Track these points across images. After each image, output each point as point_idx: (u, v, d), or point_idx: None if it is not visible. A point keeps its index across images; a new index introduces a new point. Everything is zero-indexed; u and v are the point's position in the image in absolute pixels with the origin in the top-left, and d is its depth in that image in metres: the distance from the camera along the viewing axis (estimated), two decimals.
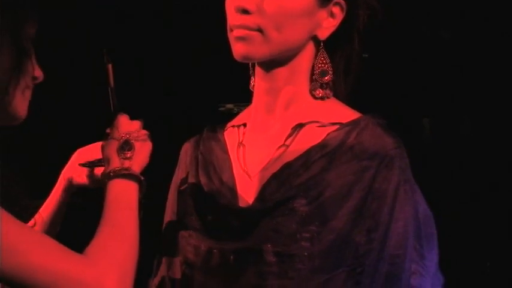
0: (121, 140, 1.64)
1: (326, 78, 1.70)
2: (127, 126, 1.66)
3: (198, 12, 2.90)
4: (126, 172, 1.60)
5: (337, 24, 1.69)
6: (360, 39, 1.71)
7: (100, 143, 1.77)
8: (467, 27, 2.77)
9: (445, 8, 2.78)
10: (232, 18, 1.66)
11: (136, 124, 1.68)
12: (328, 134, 1.66)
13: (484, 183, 2.79)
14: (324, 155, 1.64)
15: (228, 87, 2.73)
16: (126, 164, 1.61)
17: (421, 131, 2.83)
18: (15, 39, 1.49)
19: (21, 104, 1.54)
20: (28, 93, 1.55)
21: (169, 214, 1.80)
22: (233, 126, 1.79)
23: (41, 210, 1.80)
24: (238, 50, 1.66)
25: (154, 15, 2.98)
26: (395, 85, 2.79)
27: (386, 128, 1.66)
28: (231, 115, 2.67)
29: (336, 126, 1.67)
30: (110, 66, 1.73)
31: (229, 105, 2.66)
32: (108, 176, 1.61)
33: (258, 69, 1.72)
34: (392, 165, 1.61)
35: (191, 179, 1.75)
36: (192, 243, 1.69)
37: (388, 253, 1.59)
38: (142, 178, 1.61)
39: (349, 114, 1.70)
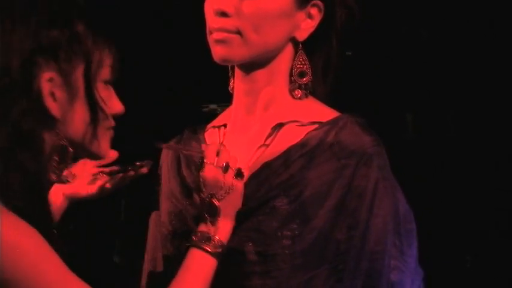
0: (205, 203, 1.62)
1: (304, 79, 1.72)
2: (213, 179, 1.62)
3: (179, 13, 2.91)
4: (206, 248, 1.60)
5: (315, 25, 1.70)
6: (338, 39, 1.73)
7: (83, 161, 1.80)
8: (446, 26, 2.79)
9: (423, 7, 2.80)
10: (211, 21, 1.67)
11: (217, 176, 1.61)
12: (307, 133, 1.67)
13: (465, 178, 2.81)
14: (303, 154, 1.65)
15: (211, 87, 2.75)
16: (212, 231, 1.61)
17: (404, 127, 2.85)
18: (89, 93, 1.52)
19: (104, 143, 1.56)
20: (110, 132, 1.58)
21: (153, 216, 1.81)
22: (213, 127, 1.80)
23: None
24: (217, 52, 1.67)
25: (137, 17, 2.98)
26: (377, 82, 2.80)
27: (364, 127, 1.68)
28: (215, 115, 2.69)
29: (315, 126, 1.68)
30: None
31: (213, 106, 2.68)
32: (191, 242, 1.62)
33: (237, 71, 1.73)
34: (371, 163, 1.63)
35: (174, 179, 1.76)
36: (173, 243, 1.71)
37: (368, 250, 1.60)
38: (222, 250, 1.61)
39: (328, 113, 1.71)
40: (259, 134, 1.71)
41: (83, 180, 1.88)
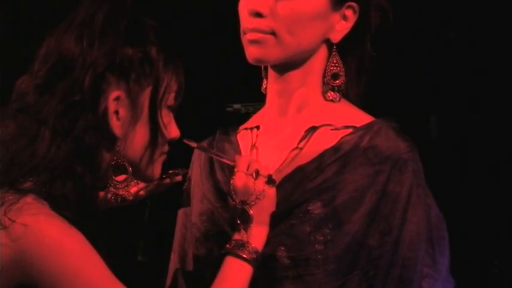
0: (238, 210, 1.62)
1: (338, 81, 1.71)
2: (243, 187, 1.61)
3: (207, 12, 2.90)
4: (241, 254, 1.59)
5: (350, 27, 1.69)
6: (371, 41, 1.72)
7: None
8: (475, 28, 2.77)
9: (452, 9, 2.78)
10: (246, 21, 1.66)
11: (248, 182, 1.61)
12: (341, 138, 1.66)
13: (491, 182, 2.79)
14: (337, 158, 1.64)
15: (235, 87, 2.75)
16: (245, 238, 1.60)
17: (429, 129, 2.83)
18: (152, 117, 1.54)
19: (157, 168, 1.58)
20: (163, 157, 1.59)
21: (181, 216, 1.81)
22: (246, 128, 1.79)
23: None
24: (251, 53, 1.66)
25: (163, 14, 2.98)
26: (403, 84, 2.79)
27: (399, 132, 1.67)
28: (239, 115, 2.68)
29: (349, 130, 1.67)
30: None
31: (237, 106, 2.67)
32: (225, 248, 1.62)
33: (270, 71, 1.72)
34: (406, 169, 1.62)
35: (207, 180, 1.75)
36: (205, 245, 1.70)
37: (400, 256, 1.59)
38: (257, 257, 1.60)
39: (362, 118, 1.70)
40: (292, 136, 1.70)
41: None
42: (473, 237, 2.73)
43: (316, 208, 1.61)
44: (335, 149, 1.65)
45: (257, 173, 1.61)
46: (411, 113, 2.79)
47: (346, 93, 1.73)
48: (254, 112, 1.86)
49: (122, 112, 1.51)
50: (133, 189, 1.81)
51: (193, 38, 2.88)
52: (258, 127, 1.76)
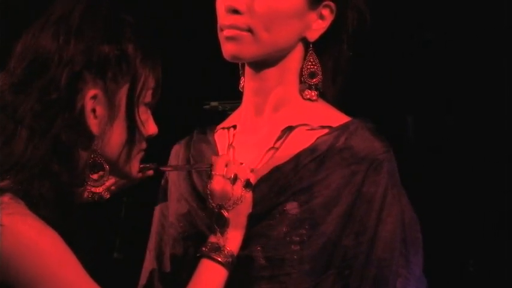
0: (215, 213, 1.62)
1: (314, 80, 1.70)
2: (221, 191, 1.61)
3: (184, 9, 2.89)
4: (216, 257, 1.59)
5: (327, 26, 1.69)
6: (348, 41, 1.72)
7: None
8: (450, 29, 2.79)
9: (428, 10, 2.80)
10: (223, 18, 1.66)
11: (225, 187, 1.61)
12: (317, 138, 1.66)
13: (467, 181, 2.80)
14: (313, 159, 1.64)
15: (212, 85, 2.74)
16: (221, 241, 1.60)
17: (405, 129, 2.84)
18: (129, 115, 1.53)
19: (135, 165, 1.57)
20: (141, 154, 1.58)
21: (158, 215, 1.80)
22: (223, 128, 1.78)
23: None
24: (228, 49, 1.66)
25: (141, 10, 2.97)
26: (379, 85, 2.80)
27: (375, 132, 1.67)
28: (216, 113, 2.67)
29: (326, 130, 1.67)
30: None
31: (214, 103, 2.66)
32: (201, 253, 1.61)
33: (247, 69, 1.72)
34: (381, 169, 1.62)
35: (184, 181, 1.74)
36: (182, 245, 1.69)
37: (376, 256, 1.60)
38: (232, 260, 1.60)
39: (338, 118, 1.70)
40: (268, 136, 1.70)
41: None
42: (448, 238, 2.74)
43: (292, 208, 1.61)
44: (311, 149, 1.65)
45: (235, 177, 1.61)
46: (387, 113, 2.79)
47: (323, 93, 1.73)
48: (231, 110, 1.86)
49: (99, 110, 1.50)
50: (105, 185, 1.81)
51: (170, 34, 2.88)
52: (234, 126, 1.76)
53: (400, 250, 1.61)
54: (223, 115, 1.89)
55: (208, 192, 1.61)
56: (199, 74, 2.90)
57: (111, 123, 1.51)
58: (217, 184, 1.60)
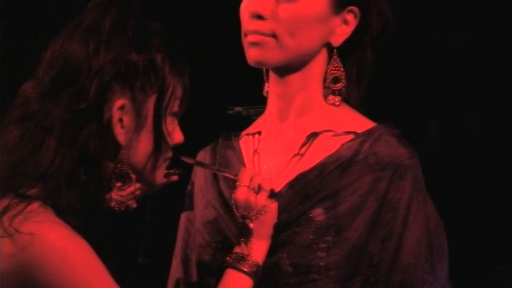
0: (239, 223, 1.62)
1: (338, 85, 1.70)
2: (244, 201, 1.61)
3: (209, 15, 2.90)
4: (242, 268, 1.59)
5: (351, 31, 1.69)
6: (373, 46, 1.71)
7: None
8: (477, 33, 2.77)
9: (455, 14, 2.78)
10: (247, 23, 1.66)
11: (250, 197, 1.60)
12: (342, 145, 1.66)
13: (492, 188, 2.78)
14: (338, 165, 1.63)
15: (237, 90, 2.74)
16: (246, 251, 1.60)
17: (428, 134, 2.83)
18: (156, 125, 1.53)
19: (160, 174, 1.57)
20: (167, 163, 1.58)
21: (184, 221, 1.80)
22: (248, 134, 1.78)
23: None
24: (252, 55, 1.66)
25: (164, 15, 2.98)
26: (402, 90, 2.79)
27: (400, 138, 1.66)
28: (240, 118, 2.67)
29: (350, 136, 1.67)
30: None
31: (238, 108, 2.65)
32: (226, 263, 1.62)
33: (271, 74, 1.72)
34: (406, 175, 1.62)
35: (211, 187, 1.74)
36: (209, 252, 1.69)
37: (401, 263, 1.59)
38: (257, 270, 1.60)
39: (363, 123, 1.70)
40: (293, 142, 1.69)
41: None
42: (474, 244, 2.72)
43: (318, 215, 1.61)
44: (336, 156, 1.65)
45: (259, 187, 1.61)
46: (410, 118, 2.78)
47: (346, 98, 1.73)
48: (255, 115, 1.86)
49: (126, 120, 1.50)
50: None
51: (194, 40, 2.88)
52: (259, 133, 1.76)
53: (425, 256, 1.61)
54: (247, 120, 1.90)
55: (233, 202, 1.61)
56: (222, 79, 2.90)
57: (138, 133, 1.51)
58: (241, 194, 1.60)
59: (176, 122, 1.57)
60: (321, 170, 1.64)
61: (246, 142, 1.77)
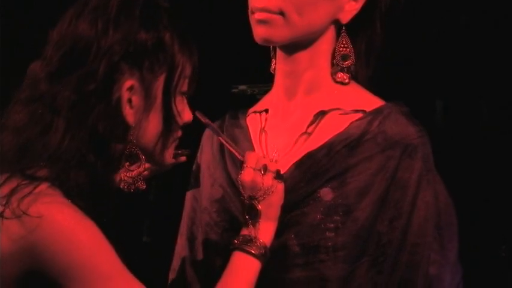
0: (246, 204, 1.60)
1: (347, 62, 1.68)
2: (251, 182, 1.59)
3: None
4: (249, 250, 1.57)
5: (360, 7, 1.66)
6: (382, 23, 1.69)
7: None
8: (485, 11, 2.75)
9: None
10: (254, 0, 1.64)
11: (257, 178, 1.58)
12: (351, 123, 1.64)
13: (499, 166, 2.77)
14: (346, 144, 1.62)
15: (241, 68, 2.72)
16: (253, 233, 1.58)
17: (434, 113, 2.81)
18: (166, 105, 1.51)
19: (169, 154, 1.56)
20: (176, 142, 1.57)
21: (190, 199, 1.79)
22: (255, 112, 1.77)
23: None
24: (259, 33, 1.64)
25: None
26: (408, 69, 2.77)
27: (409, 117, 1.65)
28: (245, 97, 2.65)
29: (359, 114, 1.65)
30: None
31: (243, 87, 2.63)
32: (232, 243, 1.60)
33: (278, 52, 1.70)
34: (416, 155, 1.60)
35: (218, 166, 1.73)
36: (216, 231, 1.68)
37: (408, 242, 1.58)
38: (265, 252, 1.58)
39: (372, 101, 1.68)
40: (301, 120, 1.68)
41: None
42: (480, 223, 2.71)
43: (325, 195, 1.59)
44: (344, 134, 1.63)
45: (265, 168, 1.59)
46: (416, 97, 2.76)
47: (355, 76, 1.71)
48: (260, 93, 1.84)
49: (135, 100, 1.48)
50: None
51: (198, 18, 2.86)
52: (266, 110, 1.74)
53: (434, 236, 1.59)
54: (251, 99, 1.88)
55: (240, 183, 1.59)
56: (227, 57, 2.87)
57: (147, 113, 1.49)
58: (248, 175, 1.58)
59: (185, 101, 1.56)
60: (328, 149, 1.62)
61: (253, 120, 1.76)
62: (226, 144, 1.67)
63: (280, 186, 1.60)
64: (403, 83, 2.69)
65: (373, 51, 1.70)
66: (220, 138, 1.68)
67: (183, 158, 1.71)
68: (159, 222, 2.82)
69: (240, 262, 1.57)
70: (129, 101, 1.48)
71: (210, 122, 1.67)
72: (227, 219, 1.67)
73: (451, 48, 2.80)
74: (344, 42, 1.68)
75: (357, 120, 1.64)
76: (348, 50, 1.68)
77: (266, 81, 1.79)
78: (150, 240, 2.88)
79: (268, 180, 1.59)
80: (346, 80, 1.69)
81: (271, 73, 1.75)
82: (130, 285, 1.44)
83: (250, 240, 1.58)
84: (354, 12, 1.67)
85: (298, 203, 1.61)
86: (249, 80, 2.58)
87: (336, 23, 1.67)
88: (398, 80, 2.63)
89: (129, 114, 1.48)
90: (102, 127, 1.46)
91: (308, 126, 1.67)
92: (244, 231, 1.59)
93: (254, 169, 1.58)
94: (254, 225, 1.58)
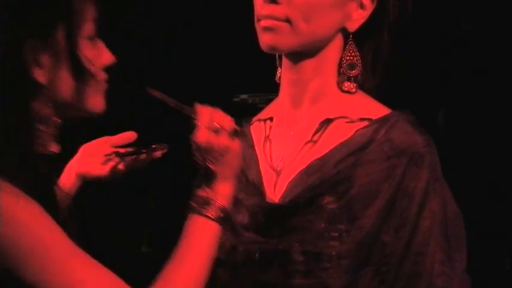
0: (200, 167, 1.54)
1: (354, 71, 1.67)
2: (205, 143, 1.52)
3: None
4: (206, 213, 1.52)
5: (367, 15, 1.65)
6: (390, 31, 1.68)
7: (107, 138, 1.78)
8: (488, 20, 2.74)
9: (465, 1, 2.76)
10: (260, 7, 1.62)
11: (212, 139, 1.53)
12: (356, 131, 1.63)
13: (502, 176, 2.76)
14: (352, 152, 1.60)
15: (243, 76, 2.70)
16: (210, 195, 1.52)
17: (436, 123, 2.80)
18: (72, 54, 1.46)
19: (95, 99, 1.50)
20: (102, 86, 1.51)
21: None
22: (259, 120, 1.75)
23: None
24: (265, 40, 1.62)
25: (169, 2, 2.94)
26: (412, 78, 2.76)
27: (416, 125, 1.63)
28: (246, 106, 2.64)
29: (365, 123, 1.64)
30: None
31: (244, 96, 2.61)
32: (189, 206, 1.54)
33: (284, 60, 1.68)
34: (422, 163, 1.58)
35: None
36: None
37: (412, 251, 1.57)
38: (222, 215, 1.52)
39: (378, 110, 1.66)
40: (306, 128, 1.66)
41: (97, 159, 1.84)
42: (484, 235, 2.70)
43: (330, 203, 1.58)
44: (350, 142, 1.62)
45: (220, 127, 1.54)
46: (419, 106, 2.75)
47: (362, 85, 1.69)
48: (262, 103, 1.82)
49: (42, 58, 1.43)
50: (92, 146, 1.78)
51: (200, 26, 2.84)
52: (271, 119, 1.72)
53: (441, 246, 1.58)
54: (253, 109, 1.85)
55: (193, 144, 1.54)
56: (228, 65, 2.85)
57: (57, 67, 1.44)
58: (202, 136, 1.53)
59: (101, 44, 1.50)
60: (333, 157, 1.61)
61: (257, 128, 1.74)
62: (176, 106, 1.58)
63: (235, 145, 1.55)
64: (410, 92, 2.67)
65: (380, 60, 1.69)
66: (170, 103, 1.58)
67: (158, 153, 1.67)
68: (159, 232, 2.79)
69: (199, 226, 1.50)
70: (36, 60, 1.43)
71: (158, 92, 1.60)
72: (227, 228, 1.61)
73: (457, 57, 2.79)
74: (351, 51, 1.66)
75: (362, 128, 1.63)
76: (355, 58, 1.66)
77: (268, 90, 1.77)
78: (150, 251, 2.85)
79: (223, 139, 1.54)
80: (353, 90, 1.68)
81: (274, 82, 1.73)
82: (90, 267, 1.38)
83: (207, 203, 1.53)
84: (362, 21, 1.65)
85: (302, 210, 1.59)
86: (251, 89, 2.56)
87: (343, 31, 1.66)
88: (406, 88, 2.62)
89: (39, 73, 1.43)
90: (14, 93, 1.41)
91: (314, 135, 1.65)
92: (201, 193, 1.54)
93: (208, 128, 1.53)
94: (210, 187, 1.54)
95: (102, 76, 1.50)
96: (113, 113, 1.57)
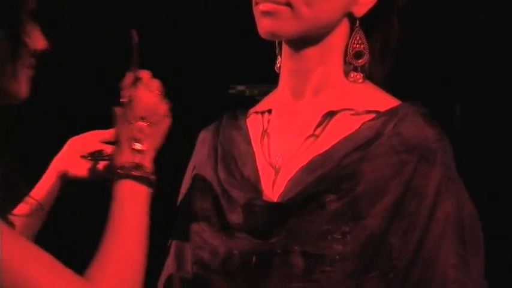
0: (134, 128, 1.50)
1: (361, 60, 1.58)
2: (144, 103, 1.51)
3: None
4: (135, 174, 1.48)
5: (376, 0, 1.56)
6: (399, 17, 1.59)
7: (96, 132, 1.71)
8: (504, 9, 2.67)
9: None
10: None
11: (154, 99, 1.52)
12: (362, 124, 1.54)
13: None
14: (357, 147, 1.52)
15: (240, 66, 2.63)
16: (137, 158, 1.48)
17: (452, 118, 2.73)
18: (10, 24, 1.40)
19: (22, 83, 1.45)
20: (29, 71, 1.46)
21: (182, 210, 1.66)
22: (256, 112, 1.66)
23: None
24: (264, 26, 1.54)
25: None
26: (428, 68, 2.69)
27: (428, 118, 1.54)
28: (243, 98, 2.59)
29: (372, 115, 1.55)
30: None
31: (241, 87, 2.56)
32: (115, 174, 1.48)
33: (285, 48, 1.60)
34: (434, 161, 1.49)
35: (209, 173, 1.62)
36: (209, 243, 1.57)
37: (422, 257, 1.48)
38: (153, 177, 1.49)
39: (387, 101, 1.57)
40: (308, 122, 1.57)
41: (77, 158, 1.76)
42: (496, 237, 2.63)
43: (333, 201, 1.49)
44: (355, 136, 1.53)
45: (162, 92, 1.54)
46: (433, 100, 2.70)
47: (369, 75, 1.60)
48: (260, 95, 1.75)
49: None
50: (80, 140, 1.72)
51: (193, 14, 2.76)
52: (269, 111, 1.63)
53: (456, 251, 1.48)
54: (250, 101, 1.78)
55: (131, 100, 1.52)
56: (224, 54, 2.76)
57: None
58: (144, 93, 1.52)
59: (36, 26, 1.45)
60: (337, 152, 1.52)
61: (254, 121, 1.65)
62: (135, 51, 1.56)
63: (169, 120, 1.54)
64: (421, 83, 2.60)
65: (389, 48, 1.60)
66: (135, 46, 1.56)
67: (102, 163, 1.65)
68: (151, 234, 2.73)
69: (131, 190, 1.46)
70: None
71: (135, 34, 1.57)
72: (220, 228, 1.56)
73: (471, 47, 2.71)
74: (358, 38, 1.57)
75: (369, 121, 1.54)
76: (362, 46, 1.58)
77: (266, 81, 1.71)
78: None
79: (164, 104, 1.53)
80: (360, 80, 1.59)
81: (273, 72, 1.65)
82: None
83: (137, 167, 1.49)
84: (370, 5, 1.56)
85: (302, 209, 1.50)
86: (248, 79, 2.50)
87: (350, 16, 1.57)
88: (417, 80, 2.54)
89: None
90: None
91: (316, 128, 1.57)
92: (127, 158, 1.49)
93: (150, 90, 1.52)
94: (140, 151, 1.50)
95: (33, 62, 1.46)
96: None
